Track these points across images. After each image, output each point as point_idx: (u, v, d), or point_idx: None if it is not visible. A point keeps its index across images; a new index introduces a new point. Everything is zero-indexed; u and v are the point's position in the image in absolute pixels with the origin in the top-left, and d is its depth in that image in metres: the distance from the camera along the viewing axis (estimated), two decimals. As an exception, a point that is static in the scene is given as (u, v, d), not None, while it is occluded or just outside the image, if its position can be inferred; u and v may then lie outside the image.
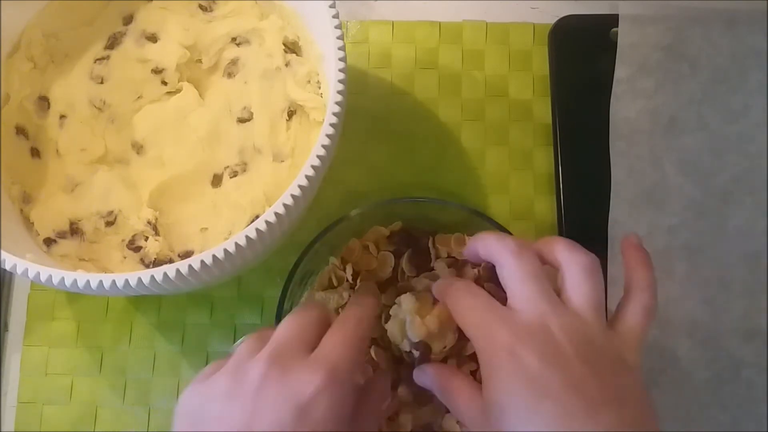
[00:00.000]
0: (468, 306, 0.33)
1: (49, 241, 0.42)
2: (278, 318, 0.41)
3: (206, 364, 0.46)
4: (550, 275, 0.33)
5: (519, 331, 0.31)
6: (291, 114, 0.45)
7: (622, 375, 0.31)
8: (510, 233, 0.42)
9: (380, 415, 0.39)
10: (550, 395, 0.29)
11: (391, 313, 0.38)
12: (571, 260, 0.33)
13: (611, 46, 0.50)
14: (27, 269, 0.35)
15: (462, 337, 0.36)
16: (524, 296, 0.32)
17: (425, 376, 0.37)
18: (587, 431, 0.29)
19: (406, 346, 0.37)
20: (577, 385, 0.30)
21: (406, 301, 0.37)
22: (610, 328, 0.33)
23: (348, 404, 0.31)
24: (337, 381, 0.30)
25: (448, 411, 0.40)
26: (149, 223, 0.42)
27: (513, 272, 0.33)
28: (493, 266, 0.34)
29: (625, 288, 0.35)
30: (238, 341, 0.35)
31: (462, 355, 0.39)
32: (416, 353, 0.36)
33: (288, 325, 0.33)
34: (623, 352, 0.32)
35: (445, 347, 0.36)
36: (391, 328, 0.38)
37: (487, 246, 0.35)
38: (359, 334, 0.33)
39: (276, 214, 0.35)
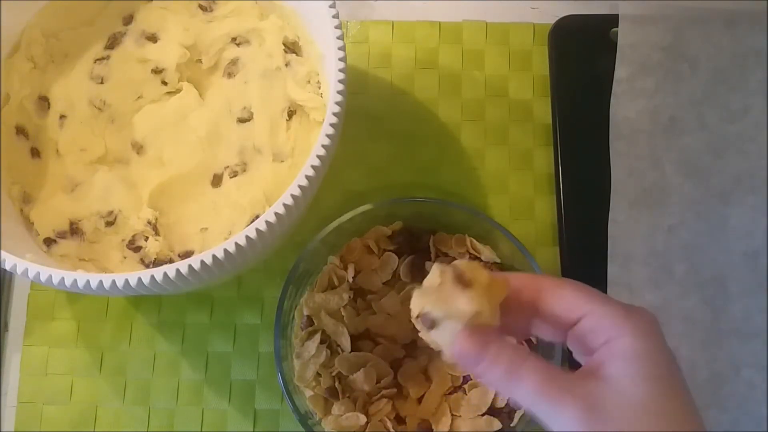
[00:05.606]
0: None
1: (49, 241, 0.42)
2: (278, 318, 0.41)
3: (206, 364, 0.47)
4: None
5: None
6: (291, 114, 0.45)
7: None
8: (510, 233, 0.42)
9: None
10: None
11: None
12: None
13: (611, 46, 0.50)
14: (27, 269, 0.35)
15: None
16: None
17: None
18: None
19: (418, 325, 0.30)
20: None
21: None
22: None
23: None
24: None
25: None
26: (149, 223, 0.42)
27: None
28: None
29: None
30: None
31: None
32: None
33: None
34: None
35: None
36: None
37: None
38: None
39: (276, 214, 0.35)
